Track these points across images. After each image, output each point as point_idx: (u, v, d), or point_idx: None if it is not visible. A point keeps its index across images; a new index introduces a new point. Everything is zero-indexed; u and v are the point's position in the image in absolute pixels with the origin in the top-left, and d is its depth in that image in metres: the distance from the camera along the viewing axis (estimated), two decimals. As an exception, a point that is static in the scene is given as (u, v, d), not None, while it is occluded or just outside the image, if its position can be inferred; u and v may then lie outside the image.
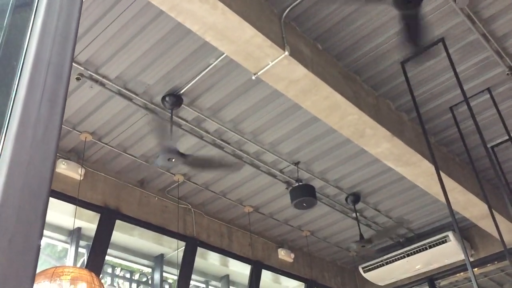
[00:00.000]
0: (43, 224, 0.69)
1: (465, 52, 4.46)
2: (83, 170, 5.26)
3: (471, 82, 4.76)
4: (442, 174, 4.38)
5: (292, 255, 7.39)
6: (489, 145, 5.28)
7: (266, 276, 7.27)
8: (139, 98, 4.66)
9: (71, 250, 5.49)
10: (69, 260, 5.45)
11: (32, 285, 0.66)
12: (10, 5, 0.98)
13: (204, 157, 5.04)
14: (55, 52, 0.81)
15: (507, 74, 4.62)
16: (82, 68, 4.30)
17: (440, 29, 4.23)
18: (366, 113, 4.41)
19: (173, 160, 4.15)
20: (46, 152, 0.73)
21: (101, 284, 3.96)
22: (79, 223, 5.40)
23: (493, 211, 4.35)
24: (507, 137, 4.99)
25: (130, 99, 4.67)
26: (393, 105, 5.02)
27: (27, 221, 0.66)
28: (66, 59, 0.82)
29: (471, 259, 6.99)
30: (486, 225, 6.09)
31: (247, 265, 6.85)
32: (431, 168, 4.70)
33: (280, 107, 4.91)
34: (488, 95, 4.84)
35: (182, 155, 4.27)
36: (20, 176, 0.69)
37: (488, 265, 7.33)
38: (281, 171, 5.87)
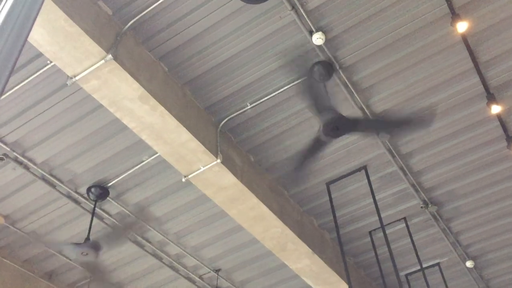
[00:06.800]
0: None
1: (385, 182, 4.78)
2: (-13, 255, 4.86)
3: (389, 210, 5.03)
4: (357, 297, 4.44)
5: None
6: (403, 273, 5.45)
7: None
8: (63, 186, 4.53)
9: None
10: None
11: None
12: None
13: (103, 270, 4.93)
14: None
15: (421, 207, 4.94)
16: (8, 149, 4.18)
17: (363, 157, 4.55)
18: (289, 228, 4.50)
19: (86, 255, 3.96)
20: None
21: None
22: (-32, 314, 4.86)
23: None
24: (419, 267, 5.19)
25: (53, 185, 4.52)
26: (317, 223, 5.16)
27: None
28: None
29: None
30: None
31: None
32: (348, 290, 4.75)
33: (207, 211, 4.91)
34: (404, 224, 5.10)
35: (97, 255, 4.09)
36: None
37: None
38: (200, 276, 5.71)
